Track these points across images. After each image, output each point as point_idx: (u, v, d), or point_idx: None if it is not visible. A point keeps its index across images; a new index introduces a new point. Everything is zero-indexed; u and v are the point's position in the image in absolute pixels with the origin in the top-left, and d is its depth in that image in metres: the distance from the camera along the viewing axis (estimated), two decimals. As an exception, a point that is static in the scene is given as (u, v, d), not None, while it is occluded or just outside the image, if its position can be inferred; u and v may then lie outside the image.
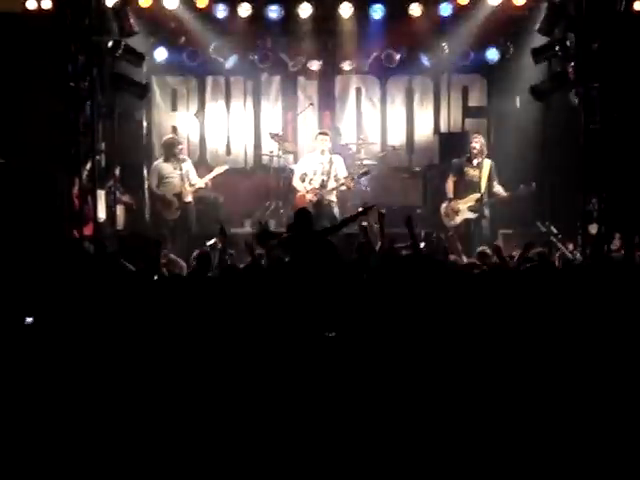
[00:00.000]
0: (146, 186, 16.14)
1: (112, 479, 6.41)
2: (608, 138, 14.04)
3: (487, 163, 14.96)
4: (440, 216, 15.13)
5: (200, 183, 15.46)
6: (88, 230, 14.69)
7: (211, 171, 15.73)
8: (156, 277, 9.52)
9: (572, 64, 14.27)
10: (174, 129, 17.36)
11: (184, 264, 11.53)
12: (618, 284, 8.93)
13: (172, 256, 11.88)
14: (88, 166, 14.47)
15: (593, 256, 12.97)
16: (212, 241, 12.13)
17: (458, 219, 14.92)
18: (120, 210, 15.60)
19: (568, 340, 7.61)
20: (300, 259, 10.47)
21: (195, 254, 11.07)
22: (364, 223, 11.73)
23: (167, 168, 15.40)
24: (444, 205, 15.10)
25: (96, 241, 14.26)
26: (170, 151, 15.46)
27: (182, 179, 15.33)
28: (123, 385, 7.29)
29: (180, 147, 15.63)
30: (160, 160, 15.61)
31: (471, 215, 14.88)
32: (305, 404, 7.09)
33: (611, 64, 13.87)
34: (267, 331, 8.00)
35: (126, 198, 15.84)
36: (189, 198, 15.39)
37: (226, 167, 15.74)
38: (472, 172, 14.95)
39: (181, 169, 15.36)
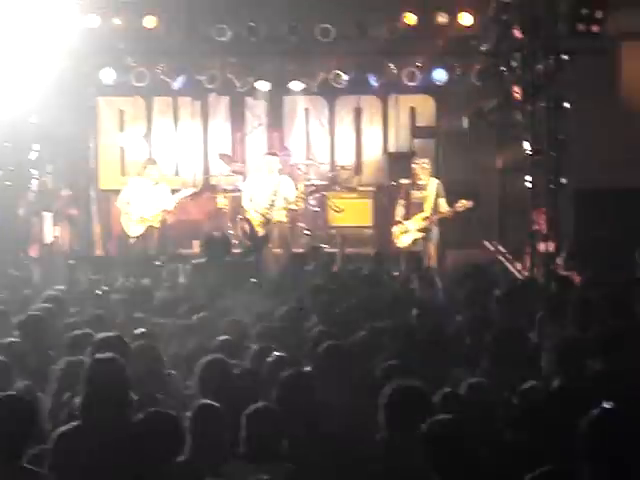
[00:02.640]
0: (93, 208, 15.97)
1: None
2: (554, 157, 14.16)
3: (433, 182, 14.99)
4: (391, 237, 15.15)
5: (168, 206, 15.18)
6: (34, 252, 14.60)
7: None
8: None
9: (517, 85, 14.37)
10: (122, 150, 17.22)
11: None
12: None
13: None
14: (34, 188, 14.34)
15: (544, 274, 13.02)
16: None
17: (407, 239, 14.93)
18: (66, 230, 15.45)
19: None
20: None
21: None
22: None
23: (142, 187, 15.10)
24: (395, 228, 15.11)
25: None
26: (145, 172, 15.21)
27: (152, 201, 15.01)
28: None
29: (154, 170, 15.29)
30: (136, 177, 15.36)
31: (419, 235, 14.90)
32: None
33: (556, 84, 13.96)
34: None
35: (73, 211, 15.69)
36: (156, 223, 15.15)
37: (194, 190, 15.57)
38: (418, 194, 14.99)
39: (155, 191, 15.09)
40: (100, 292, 10.82)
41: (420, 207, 14.95)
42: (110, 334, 7.28)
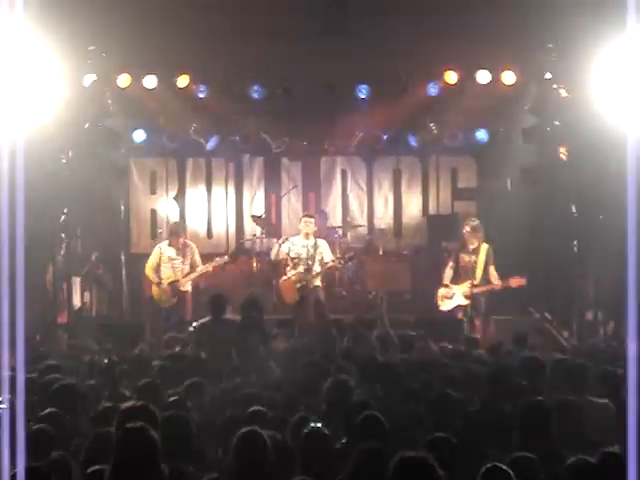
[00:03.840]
0: (124, 271, 15.55)
1: None
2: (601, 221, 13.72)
3: (484, 248, 14.34)
4: (434, 300, 14.59)
5: (196, 273, 14.54)
6: (62, 318, 14.21)
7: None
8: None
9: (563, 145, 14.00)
10: (153, 212, 16.82)
11: None
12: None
13: None
14: (62, 252, 13.97)
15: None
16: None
17: (452, 304, 14.38)
18: (96, 296, 15.09)
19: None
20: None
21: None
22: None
23: (170, 253, 14.58)
24: (440, 290, 14.57)
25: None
26: (173, 237, 14.67)
27: (183, 266, 14.48)
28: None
29: (182, 237, 14.67)
30: (164, 243, 14.74)
31: (464, 301, 14.32)
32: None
33: (602, 146, 13.51)
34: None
35: (102, 275, 15.34)
36: (188, 287, 14.65)
37: (226, 259, 15.04)
38: (467, 258, 14.38)
39: (184, 256, 14.58)
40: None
41: (468, 272, 14.36)
42: (137, 403, 6.95)
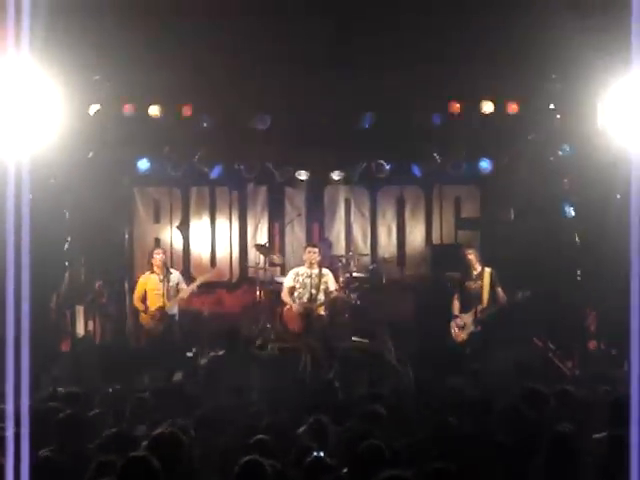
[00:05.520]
0: (127, 300, 15.53)
1: None
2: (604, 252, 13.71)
3: (487, 271, 14.43)
4: (438, 331, 14.59)
5: (183, 293, 14.77)
6: (65, 346, 14.19)
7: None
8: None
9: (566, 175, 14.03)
10: (157, 241, 16.81)
11: None
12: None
13: None
14: (66, 280, 13.97)
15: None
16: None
17: (465, 334, 14.37)
18: (100, 324, 15.08)
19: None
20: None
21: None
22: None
23: (153, 281, 14.71)
24: (452, 323, 14.57)
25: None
26: (152, 263, 14.76)
27: (168, 292, 14.61)
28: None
29: (162, 258, 14.87)
30: (146, 273, 14.91)
31: (476, 328, 14.32)
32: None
33: (608, 177, 13.53)
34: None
35: (106, 304, 15.35)
36: (174, 310, 14.71)
37: (209, 275, 15.10)
38: (473, 285, 14.45)
39: (169, 281, 14.66)
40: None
41: (475, 298, 14.38)
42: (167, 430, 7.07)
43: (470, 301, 14.41)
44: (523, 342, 14.58)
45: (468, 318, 14.35)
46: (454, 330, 14.46)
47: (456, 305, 14.59)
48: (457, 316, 14.52)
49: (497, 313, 14.24)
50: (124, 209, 16.56)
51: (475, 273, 14.43)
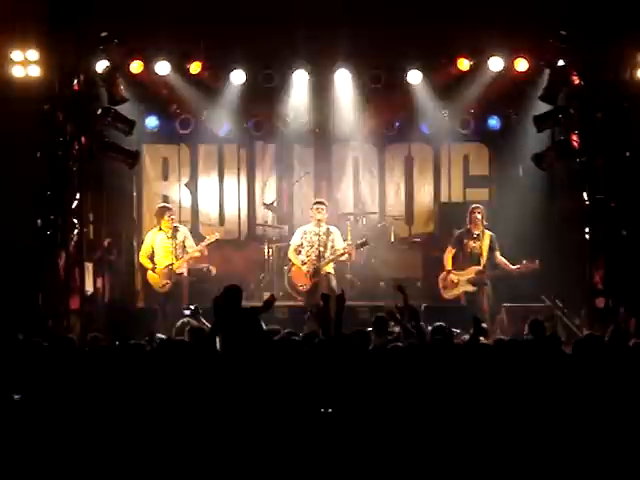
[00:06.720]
0: (136, 258, 15.56)
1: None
2: (613, 209, 13.68)
3: (487, 234, 14.40)
4: (437, 288, 14.58)
5: (191, 254, 14.76)
6: (75, 303, 14.20)
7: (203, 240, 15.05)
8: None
9: (575, 133, 13.92)
10: (165, 199, 16.80)
11: None
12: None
13: None
14: (75, 237, 13.97)
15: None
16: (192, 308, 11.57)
17: (456, 291, 14.36)
18: (109, 282, 15.11)
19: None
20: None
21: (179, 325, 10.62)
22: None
23: (160, 238, 14.72)
24: (441, 277, 14.54)
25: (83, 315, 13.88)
26: (162, 220, 14.75)
27: (176, 249, 14.63)
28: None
29: (172, 215, 14.88)
30: (154, 230, 14.91)
31: (470, 288, 14.30)
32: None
33: (615, 133, 13.49)
34: (261, 407, 7.41)
35: (115, 261, 15.44)
36: (182, 269, 14.74)
37: (216, 236, 15.09)
38: (472, 244, 14.41)
39: (176, 238, 14.67)
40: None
41: (473, 258, 14.37)
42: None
43: (467, 260, 14.41)
44: (530, 299, 14.57)
45: (462, 276, 14.31)
46: (443, 286, 14.42)
47: (448, 259, 14.54)
48: (450, 271, 14.47)
49: (496, 276, 14.22)
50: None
51: (476, 233, 14.38)
